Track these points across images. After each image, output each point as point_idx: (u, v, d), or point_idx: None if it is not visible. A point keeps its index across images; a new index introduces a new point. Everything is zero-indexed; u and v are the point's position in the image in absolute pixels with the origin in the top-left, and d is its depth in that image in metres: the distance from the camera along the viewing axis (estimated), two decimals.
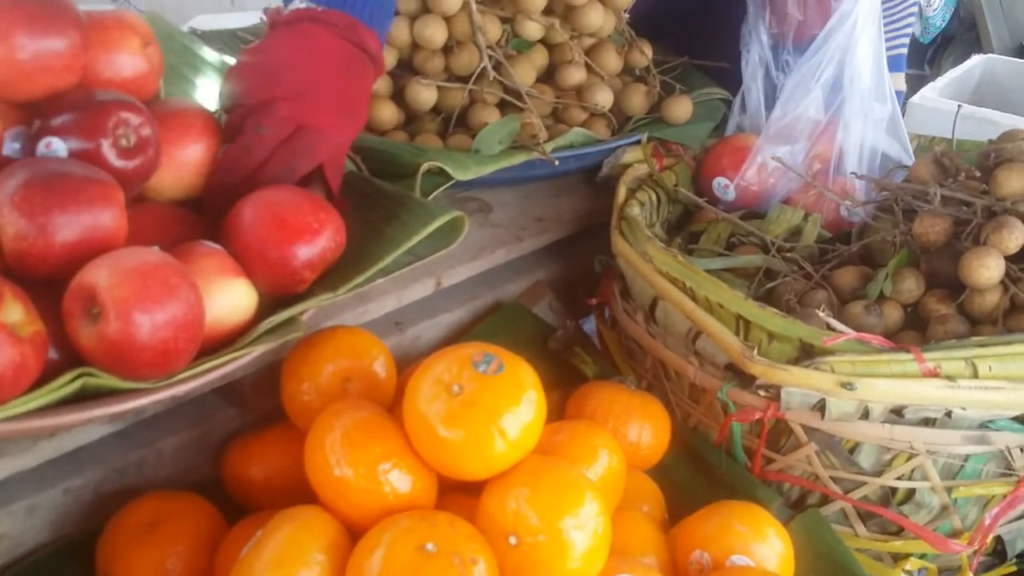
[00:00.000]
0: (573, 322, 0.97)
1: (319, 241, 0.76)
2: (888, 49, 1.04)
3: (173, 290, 0.64)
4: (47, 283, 0.67)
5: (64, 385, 0.64)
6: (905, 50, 1.35)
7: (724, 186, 1.01)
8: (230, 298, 0.71)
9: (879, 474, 0.80)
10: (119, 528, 0.74)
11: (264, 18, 0.89)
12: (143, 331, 0.63)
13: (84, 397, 0.66)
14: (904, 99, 1.43)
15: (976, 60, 2.52)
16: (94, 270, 0.64)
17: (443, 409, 0.65)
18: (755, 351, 0.78)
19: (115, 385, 0.66)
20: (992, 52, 2.94)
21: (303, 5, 0.84)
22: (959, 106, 1.13)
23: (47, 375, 0.64)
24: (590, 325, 1.07)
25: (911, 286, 0.86)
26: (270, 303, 0.78)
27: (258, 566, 0.63)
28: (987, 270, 0.81)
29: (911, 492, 0.81)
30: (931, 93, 2.21)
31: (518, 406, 0.65)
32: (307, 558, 0.63)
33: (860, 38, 0.95)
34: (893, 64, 1.35)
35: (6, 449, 0.73)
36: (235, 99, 0.83)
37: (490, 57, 1.01)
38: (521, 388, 0.66)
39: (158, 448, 0.81)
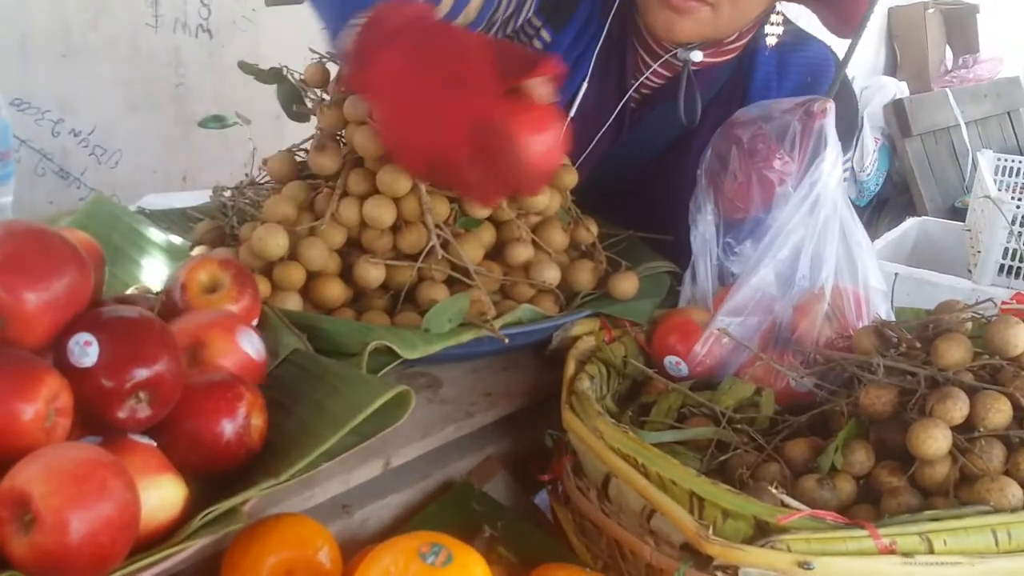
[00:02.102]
0: (492, 532, 0.92)
1: (240, 408, 0.75)
2: None
3: (111, 492, 0.62)
4: None
5: None
6: None
7: (676, 364, 1.01)
8: (158, 495, 0.69)
9: None
10: None
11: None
12: (80, 539, 0.60)
13: None
14: None
15: (911, 222, 2.62)
16: (26, 472, 0.61)
17: None
18: (710, 530, 0.76)
19: None
20: (925, 214, 3.07)
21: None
22: (895, 275, 1.16)
23: None
24: (542, 497, 1.05)
25: (861, 458, 0.86)
26: (211, 488, 0.76)
27: None
28: (935, 442, 0.81)
29: None
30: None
31: None
32: None
33: (824, 217, 0.99)
34: None
35: None
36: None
37: (438, 236, 1.02)
38: None
39: None
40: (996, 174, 2.76)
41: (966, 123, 3.62)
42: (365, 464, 0.90)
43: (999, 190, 2.42)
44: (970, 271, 2.33)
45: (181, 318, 0.83)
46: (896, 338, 0.92)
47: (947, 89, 3.77)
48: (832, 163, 0.99)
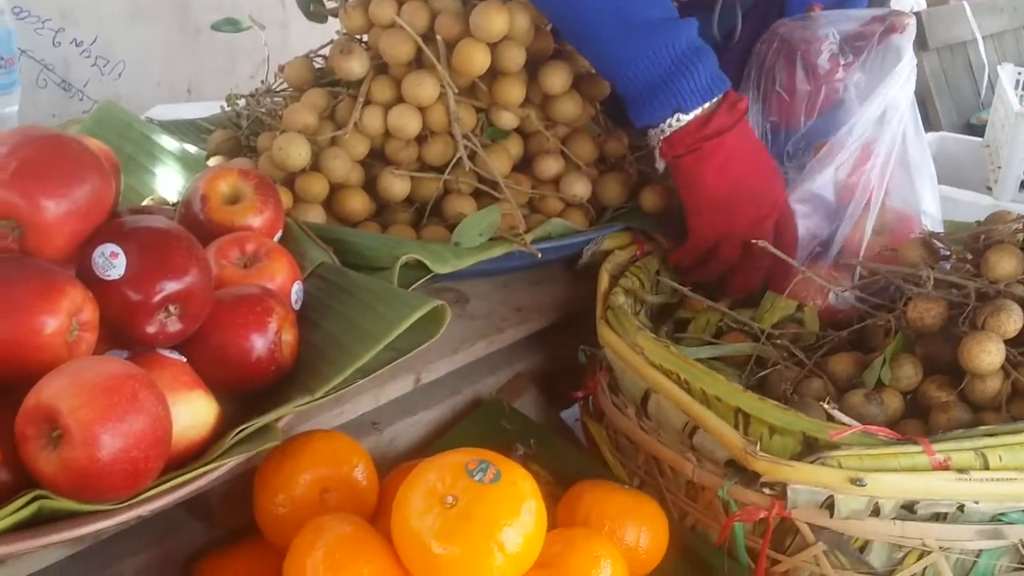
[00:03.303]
0: (525, 450, 0.90)
1: (271, 323, 0.72)
2: None
3: (142, 406, 0.59)
4: None
5: (18, 510, 0.59)
6: None
7: None
8: (189, 413, 0.67)
9: (890, 573, 0.76)
10: None
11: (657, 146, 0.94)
12: (112, 454, 0.57)
13: (39, 520, 0.60)
14: None
15: (929, 138, 2.55)
16: (52, 387, 0.58)
17: (437, 523, 0.60)
18: (757, 447, 0.74)
19: (73, 508, 0.60)
20: (941, 130, 3.00)
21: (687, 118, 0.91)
22: None
23: None
24: (567, 414, 1.03)
25: (909, 373, 0.83)
26: (241, 405, 0.73)
27: None
28: (988, 355, 0.78)
29: None
30: None
31: (517, 517, 0.61)
32: None
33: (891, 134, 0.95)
34: None
35: None
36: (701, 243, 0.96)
37: (465, 147, 0.98)
38: (520, 497, 0.62)
39: (117, 571, 0.75)
40: (1016, 89, 2.69)
41: (983, 37, 3.54)
42: (396, 380, 0.88)
43: (1020, 105, 2.36)
44: (990, 188, 2.28)
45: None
46: (945, 250, 0.89)
47: (964, 2, 3.67)
48: (904, 79, 0.94)
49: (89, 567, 0.73)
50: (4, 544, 0.59)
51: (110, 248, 0.67)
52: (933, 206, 0.99)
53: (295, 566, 0.62)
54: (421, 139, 1.00)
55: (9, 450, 0.60)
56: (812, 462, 0.73)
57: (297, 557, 0.62)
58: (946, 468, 0.72)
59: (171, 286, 0.67)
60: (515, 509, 0.61)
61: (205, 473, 0.65)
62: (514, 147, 1.04)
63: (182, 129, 1.18)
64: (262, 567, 0.74)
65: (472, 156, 0.99)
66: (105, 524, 0.62)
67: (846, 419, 0.75)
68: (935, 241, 0.90)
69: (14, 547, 0.60)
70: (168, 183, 0.99)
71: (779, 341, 0.91)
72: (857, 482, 0.71)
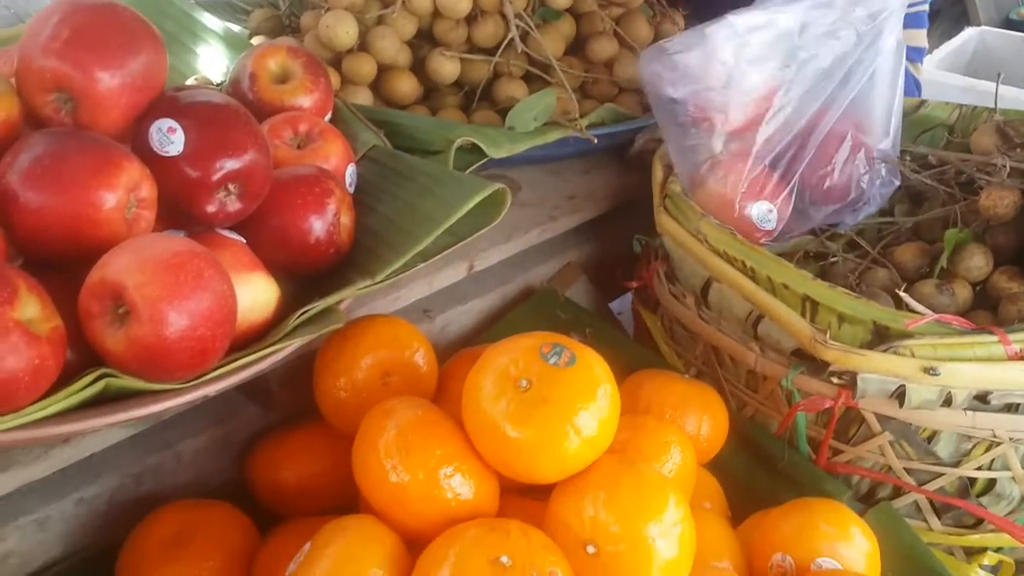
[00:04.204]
0: (584, 335, 0.87)
1: (330, 204, 0.71)
2: (912, 5, 0.98)
3: (207, 283, 0.58)
4: (53, 269, 0.60)
5: (84, 388, 0.58)
6: (927, 6, 1.30)
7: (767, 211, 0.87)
8: (250, 294, 0.65)
9: (957, 464, 0.75)
10: (142, 542, 0.68)
11: None
12: (179, 332, 0.56)
13: (104, 399, 0.60)
14: (924, 56, 1.39)
15: (970, 33, 2.49)
16: (117, 263, 0.57)
17: (511, 407, 0.59)
18: (827, 335, 0.72)
19: (139, 387, 0.59)
20: (980, 25, 2.91)
21: None
22: (999, 75, 1.07)
23: (64, 375, 0.58)
24: (617, 304, 1.02)
25: (980, 263, 0.81)
26: (301, 289, 0.72)
27: None
28: None
29: (990, 483, 0.76)
30: (930, 66, 2.18)
31: (593, 401, 0.59)
32: (365, 574, 0.57)
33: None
34: (916, 20, 1.30)
35: (14, 458, 0.66)
36: None
37: (517, 27, 0.94)
38: (595, 381, 0.60)
39: (177, 451, 0.74)
40: None
41: None
42: (449, 267, 0.86)
43: None
44: None
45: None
46: (1021, 137, 0.85)
47: None
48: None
49: (149, 448, 0.73)
50: (71, 422, 0.59)
51: (167, 123, 0.64)
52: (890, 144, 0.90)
53: (366, 447, 0.61)
54: (471, 19, 0.96)
55: (72, 328, 0.59)
56: (885, 351, 0.71)
57: (368, 439, 0.61)
58: (1022, 359, 0.70)
59: (231, 164, 0.65)
60: (591, 393, 0.60)
61: (271, 354, 0.64)
62: (566, 28, 1.00)
63: (218, 8, 1.13)
64: (320, 450, 0.74)
65: (524, 37, 0.95)
66: (171, 403, 0.61)
67: (920, 308, 0.73)
68: (1009, 129, 0.86)
69: (80, 425, 0.59)
70: (211, 62, 0.95)
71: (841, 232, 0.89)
72: (931, 371, 0.70)
